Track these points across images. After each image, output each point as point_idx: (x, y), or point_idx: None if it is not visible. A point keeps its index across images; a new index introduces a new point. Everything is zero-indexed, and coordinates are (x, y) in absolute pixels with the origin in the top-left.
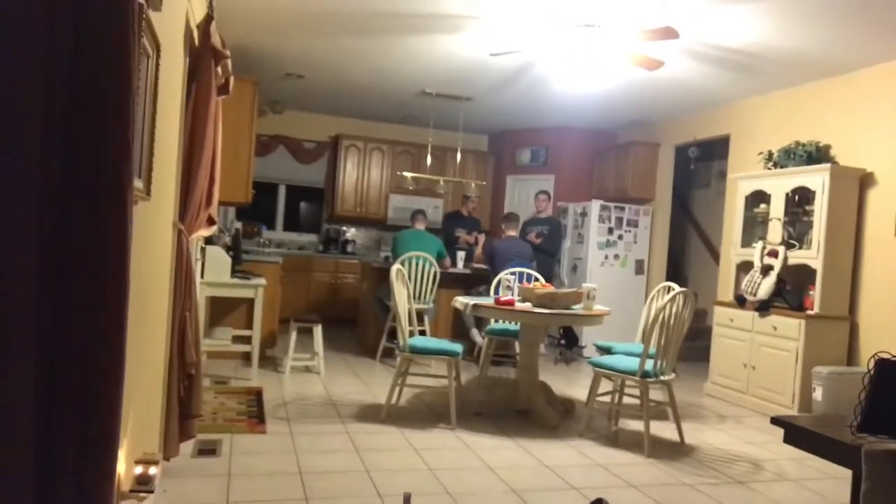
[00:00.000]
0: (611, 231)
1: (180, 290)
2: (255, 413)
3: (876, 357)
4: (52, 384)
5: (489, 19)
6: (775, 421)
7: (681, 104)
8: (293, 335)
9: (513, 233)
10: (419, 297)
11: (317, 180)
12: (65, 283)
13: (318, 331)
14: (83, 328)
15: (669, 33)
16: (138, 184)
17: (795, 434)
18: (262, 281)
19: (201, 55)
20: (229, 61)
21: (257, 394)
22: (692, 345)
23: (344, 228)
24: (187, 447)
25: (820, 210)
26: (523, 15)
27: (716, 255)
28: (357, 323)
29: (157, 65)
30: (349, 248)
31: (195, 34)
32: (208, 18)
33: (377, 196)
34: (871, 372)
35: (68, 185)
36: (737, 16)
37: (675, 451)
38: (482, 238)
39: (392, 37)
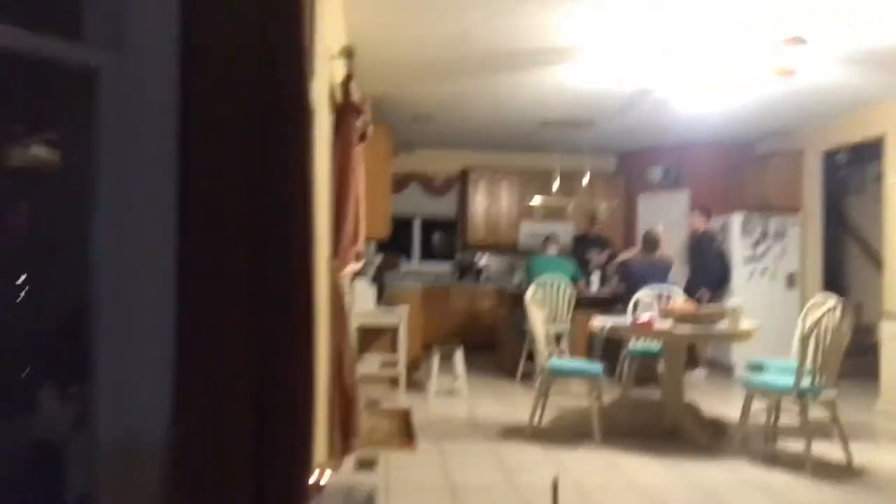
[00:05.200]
0: (756, 244)
1: (337, 322)
2: (405, 432)
3: None
4: (262, 407)
5: (606, 48)
6: None
7: (825, 109)
8: (436, 359)
9: (650, 254)
10: (556, 319)
11: (448, 211)
12: (268, 325)
13: (459, 355)
14: (283, 359)
15: (796, 41)
16: None
17: None
18: (406, 309)
19: (344, 111)
20: (368, 114)
21: (406, 415)
22: (860, 361)
23: (477, 256)
24: (348, 461)
25: None
26: (636, 43)
27: (880, 265)
28: (495, 347)
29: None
30: (483, 275)
31: (337, 92)
32: (348, 78)
33: (507, 223)
34: None
35: (265, 243)
36: (880, 14)
37: (842, 472)
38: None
39: (512, 73)
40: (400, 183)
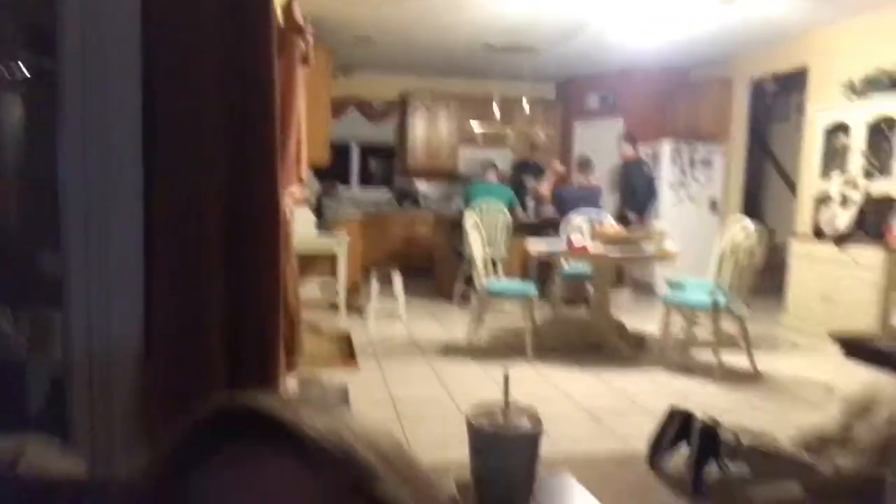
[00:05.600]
0: (683, 171)
1: (281, 245)
2: (346, 353)
3: None
4: (234, 315)
5: None
6: (835, 337)
7: (756, 37)
8: (375, 284)
9: (583, 180)
10: (492, 244)
11: (387, 138)
12: (239, 239)
13: (397, 279)
14: (253, 268)
15: None
16: None
17: (853, 348)
18: (345, 236)
19: (287, 33)
20: (311, 36)
21: (347, 337)
22: (769, 280)
23: (416, 183)
24: (292, 379)
25: None
26: None
27: (795, 191)
28: (433, 271)
29: None
30: (421, 202)
31: (279, 14)
32: None
33: (447, 150)
34: None
35: (235, 158)
36: None
37: (747, 378)
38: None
39: None
40: (338, 108)
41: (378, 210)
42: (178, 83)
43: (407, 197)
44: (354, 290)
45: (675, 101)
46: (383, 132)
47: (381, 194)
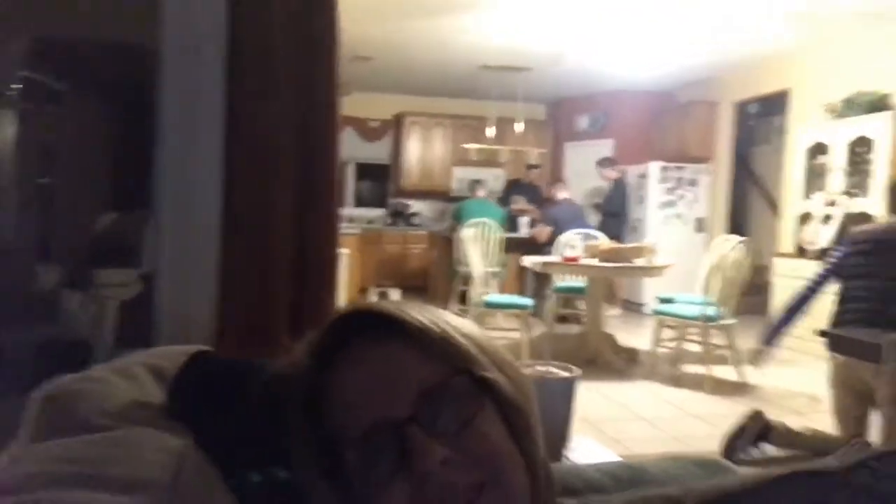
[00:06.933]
0: (671, 191)
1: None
2: None
3: None
4: (300, 274)
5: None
6: (821, 333)
7: (740, 61)
8: (374, 299)
9: (565, 194)
10: (488, 261)
11: (382, 157)
12: (307, 218)
13: (396, 295)
14: (315, 237)
15: None
16: None
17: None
18: (346, 251)
19: None
20: None
21: None
22: (753, 299)
23: (410, 202)
24: None
25: (880, 157)
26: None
27: (777, 211)
28: (427, 289)
29: None
30: (415, 221)
31: None
32: None
33: (441, 169)
34: None
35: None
36: None
37: (736, 389)
38: (534, 213)
39: (453, 14)
40: None
41: (373, 228)
42: (255, 103)
43: (401, 215)
44: None
45: (662, 124)
46: (378, 151)
47: (375, 213)
